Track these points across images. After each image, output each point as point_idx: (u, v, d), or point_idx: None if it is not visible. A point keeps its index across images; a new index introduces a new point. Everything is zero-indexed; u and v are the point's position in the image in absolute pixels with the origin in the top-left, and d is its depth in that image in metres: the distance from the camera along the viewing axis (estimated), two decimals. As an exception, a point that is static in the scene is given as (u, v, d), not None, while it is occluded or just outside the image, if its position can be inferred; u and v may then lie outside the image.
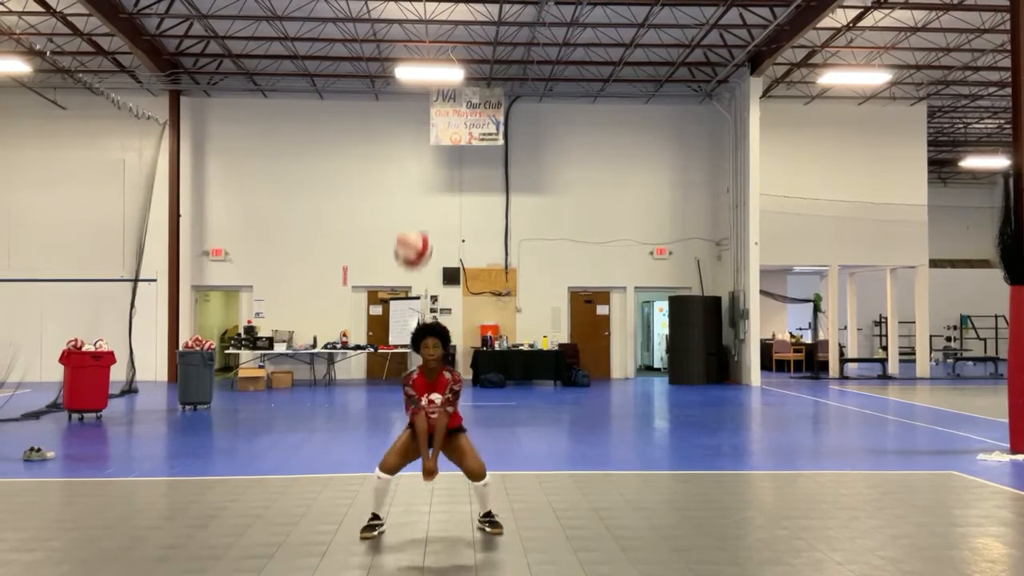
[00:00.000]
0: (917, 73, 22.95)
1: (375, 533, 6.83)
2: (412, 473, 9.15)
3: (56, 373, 15.65)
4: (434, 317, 23.41)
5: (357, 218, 23.91)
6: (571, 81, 23.39)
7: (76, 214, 23.26)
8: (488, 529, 6.98)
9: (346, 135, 24.13)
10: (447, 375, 6.87)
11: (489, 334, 23.22)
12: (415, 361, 23.12)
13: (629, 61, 21.86)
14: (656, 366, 27.42)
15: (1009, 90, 17.37)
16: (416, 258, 7.43)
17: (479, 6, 18.92)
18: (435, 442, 6.77)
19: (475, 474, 6.90)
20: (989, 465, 10.24)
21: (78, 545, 6.68)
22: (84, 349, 14.67)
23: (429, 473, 6.73)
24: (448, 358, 6.67)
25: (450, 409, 6.80)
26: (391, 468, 6.85)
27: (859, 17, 18.97)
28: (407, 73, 20.89)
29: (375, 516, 6.94)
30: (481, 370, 22.00)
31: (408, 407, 6.86)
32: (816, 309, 25.65)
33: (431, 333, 6.84)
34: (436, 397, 6.79)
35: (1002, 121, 28.18)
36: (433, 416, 6.77)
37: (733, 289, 23.41)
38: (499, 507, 7.78)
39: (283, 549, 6.50)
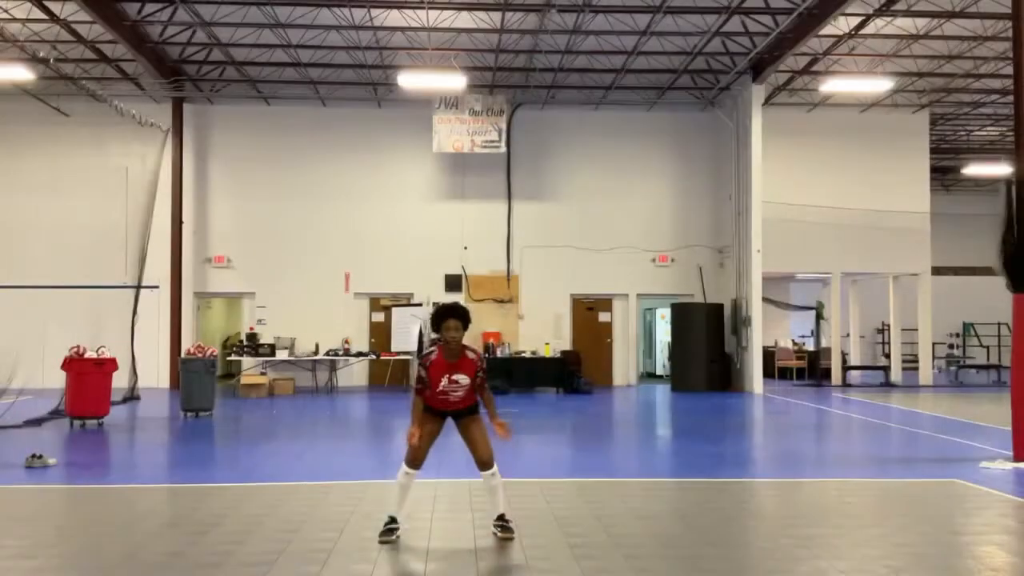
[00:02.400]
0: (919, 80, 22.94)
1: (394, 537, 6.85)
2: (415, 481, 9.14)
3: (58, 380, 15.63)
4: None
5: (359, 225, 23.91)
6: (574, 88, 23.41)
7: (79, 221, 23.25)
8: (499, 534, 6.94)
9: (349, 142, 24.14)
10: (470, 355, 6.86)
11: (491, 341, 23.22)
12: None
13: (631, 68, 21.87)
14: (658, 373, 27.38)
15: (1011, 97, 17.35)
16: None
17: (482, 13, 18.93)
18: (489, 410, 6.94)
19: (484, 462, 6.92)
20: (992, 473, 10.21)
21: (79, 552, 6.67)
22: (86, 356, 14.66)
23: (502, 426, 6.83)
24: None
25: (488, 389, 6.94)
26: (419, 461, 6.90)
27: (861, 25, 18.96)
28: (409, 80, 20.92)
29: (392, 520, 6.93)
30: (483, 377, 21.94)
31: (416, 385, 6.94)
32: (819, 316, 25.61)
33: (453, 315, 6.79)
34: (461, 378, 6.78)
35: (1004, 128, 28.14)
36: (456, 396, 6.82)
37: (735, 296, 23.39)
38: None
39: (284, 556, 6.48)
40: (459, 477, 9.58)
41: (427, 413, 6.95)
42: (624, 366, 24.98)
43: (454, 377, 6.78)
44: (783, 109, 24.36)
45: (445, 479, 9.58)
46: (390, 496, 7.08)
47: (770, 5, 18.19)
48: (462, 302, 23.77)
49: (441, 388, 6.80)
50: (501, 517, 7.00)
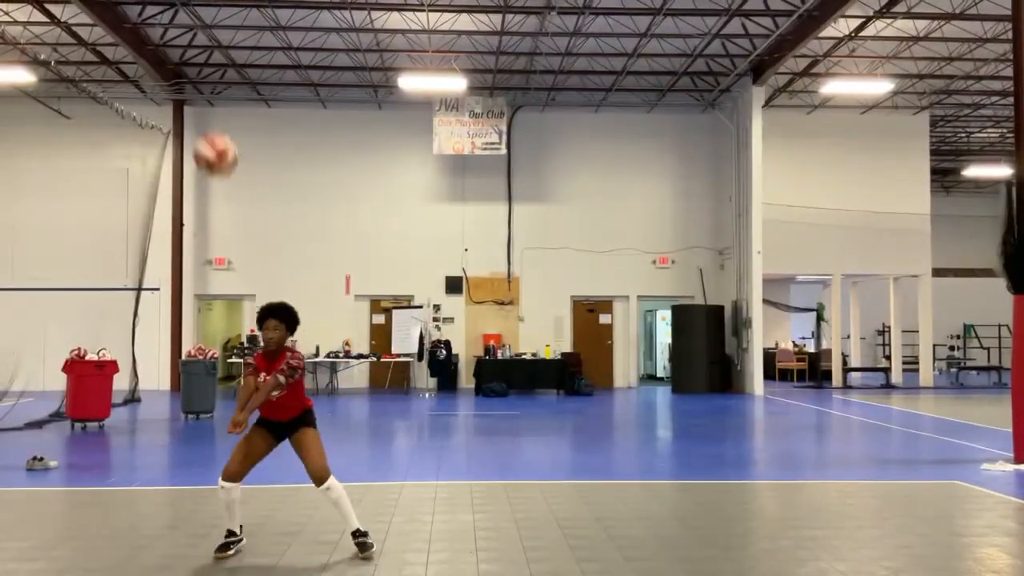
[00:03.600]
0: (919, 82, 22.95)
1: (231, 552, 6.50)
2: (415, 482, 9.14)
3: (59, 382, 15.64)
4: (437, 326, 23.39)
5: (360, 227, 23.93)
6: (574, 91, 23.43)
7: (80, 223, 23.28)
8: (359, 553, 6.52)
9: (349, 144, 24.15)
10: (290, 359, 6.45)
11: (492, 343, 23.22)
12: (418, 370, 23.17)
13: (632, 70, 21.88)
14: (659, 375, 27.37)
15: (1011, 99, 17.39)
16: (211, 161, 7.05)
17: (482, 16, 18.95)
18: (254, 399, 6.32)
19: (316, 476, 6.55)
20: (993, 475, 10.21)
21: (80, 555, 6.66)
22: (87, 358, 14.66)
23: (236, 425, 6.19)
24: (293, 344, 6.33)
25: (281, 378, 6.34)
26: (234, 474, 6.46)
27: (861, 27, 18.97)
28: (410, 83, 20.94)
29: (230, 533, 6.55)
30: (484, 379, 21.99)
31: (245, 370, 6.63)
32: (819, 318, 25.61)
33: (271, 314, 6.50)
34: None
35: (1004, 130, 28.15)
36: (275, 394, 6.40)
37: (736, 298, 23.39)
38: (502, 517, 7.77)
39: (285, 559, 6.49)
40: (459, 479, 9.58)
41: (258, 427, 6.61)
42: (625, 368, 24.98)
43: (268, 377, 6.40)
44: (783, 111, 24.39)
45: (445, 480, 9.60)
46: (220, 513, 6.68)
47: (770, 7, 18.21)
48: (462, 303, 23.96)
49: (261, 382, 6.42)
50: (357, 532, 6.58)
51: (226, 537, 6.56)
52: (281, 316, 6.52)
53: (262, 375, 6.42)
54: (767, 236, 22.46)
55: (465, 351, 23.85)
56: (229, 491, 6.45)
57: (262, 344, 6.59)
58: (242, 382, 6.62)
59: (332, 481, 6.58)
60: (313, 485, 6.59)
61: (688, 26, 19.26)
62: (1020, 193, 11.23)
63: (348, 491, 9.07)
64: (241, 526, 6.68)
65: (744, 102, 22.76)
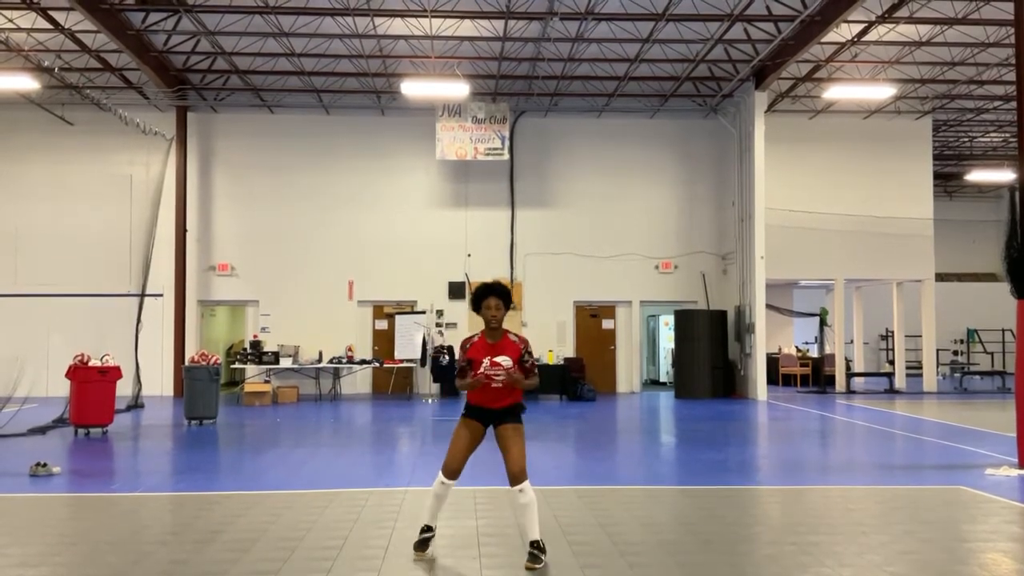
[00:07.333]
0: (922, 87, 22.94)
1: (428, 548, 6.60)
2: (419, 488, 9.13)
3: (62, 388, 15.66)
4: (440, 332, 23.39)
5: (363, 233, 23.94)
6: (576, 96, 23.43)
7: (83, 229, 23.30)
8: (527, 563, 6.37)
9: (352, 150, 24.17)
10: (512, 338, 6.48)
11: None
12: (421, 376, 23.17)
13: (634, 76, 21.89)
14: (662, 380, 27.36)
15: (1014, 104, 17.35)
16: None
17: (484, 22, 18.96)
18: (526, 382, 6.45)
19: (514, 474, 6.40)
20: (997, 480, 10.19)
21: (84, 561, 6.66)
22: (90, 364, 14.68)
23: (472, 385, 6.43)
24: None
25: (536, 372, 6.50)
26: (455, 471, 6.54)
27: (864, 32, 18.98)
28: (413, 88, 20.95)
29: (428, 528, 6.62)
30: (487, 385, 21.94)
31: (457, 374, 6.55)
32: (822, 323, 25.57)
33: (492, 292, 6.47)
34: (503, 360, 6.39)
35: (1007, 135, 28.14)
36: (497, 382, 6.38)
37: (739, 303, 23.37)
38: (505, 522, 7.77)
39: (288, 565, 6.48)
40: (462, 484, 9.55)
41: (466, 418, 6.59)
42: (628, 373, 24.95)
43: (496, 359, 6.37)
44: (786, 116, 24.39)
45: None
46: (424, 506, 6.81)
47: (772, 12, 18.21)
48: (465, 309, 23.94)
49: (483, 371, 6.40)
50: (534, 543, 6.42)
51: (423, 532, 6.64)
52: (500, 294, 6.51)
53: (487, 360, 6.40)
54: (770, 241, 22.46)
55: (468, 356, 23.79)
56: (448, 487, 6.58)
57: (485, 323, 6.51)
58: (459, 381, 6.56)
59: (527, 484, 6.46)
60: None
61: (690, 31, 19.27)
62: (1023, 197, 11.21)
63: (352, 497, 9.09)
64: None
65: (746, 107, 22.76)
